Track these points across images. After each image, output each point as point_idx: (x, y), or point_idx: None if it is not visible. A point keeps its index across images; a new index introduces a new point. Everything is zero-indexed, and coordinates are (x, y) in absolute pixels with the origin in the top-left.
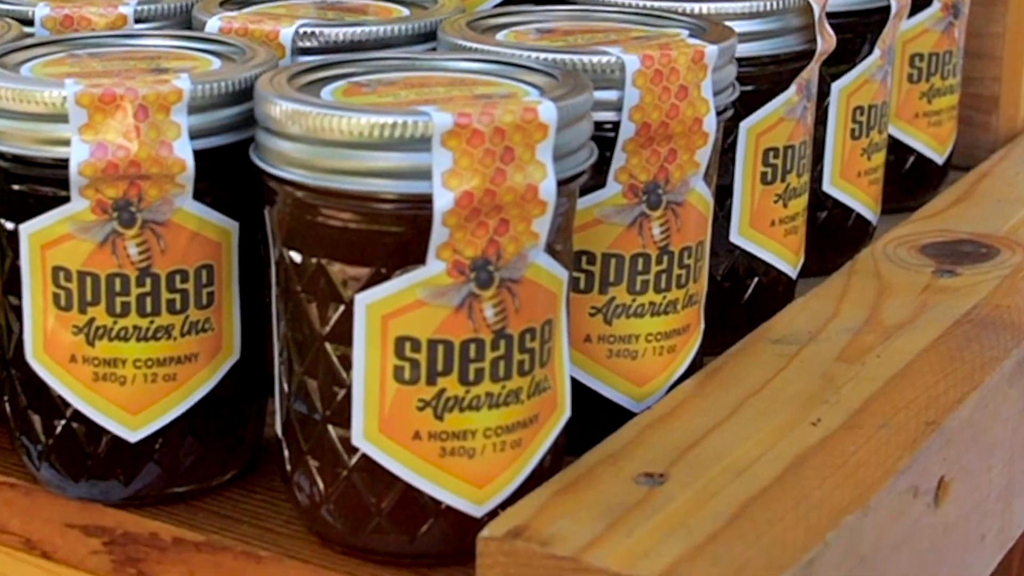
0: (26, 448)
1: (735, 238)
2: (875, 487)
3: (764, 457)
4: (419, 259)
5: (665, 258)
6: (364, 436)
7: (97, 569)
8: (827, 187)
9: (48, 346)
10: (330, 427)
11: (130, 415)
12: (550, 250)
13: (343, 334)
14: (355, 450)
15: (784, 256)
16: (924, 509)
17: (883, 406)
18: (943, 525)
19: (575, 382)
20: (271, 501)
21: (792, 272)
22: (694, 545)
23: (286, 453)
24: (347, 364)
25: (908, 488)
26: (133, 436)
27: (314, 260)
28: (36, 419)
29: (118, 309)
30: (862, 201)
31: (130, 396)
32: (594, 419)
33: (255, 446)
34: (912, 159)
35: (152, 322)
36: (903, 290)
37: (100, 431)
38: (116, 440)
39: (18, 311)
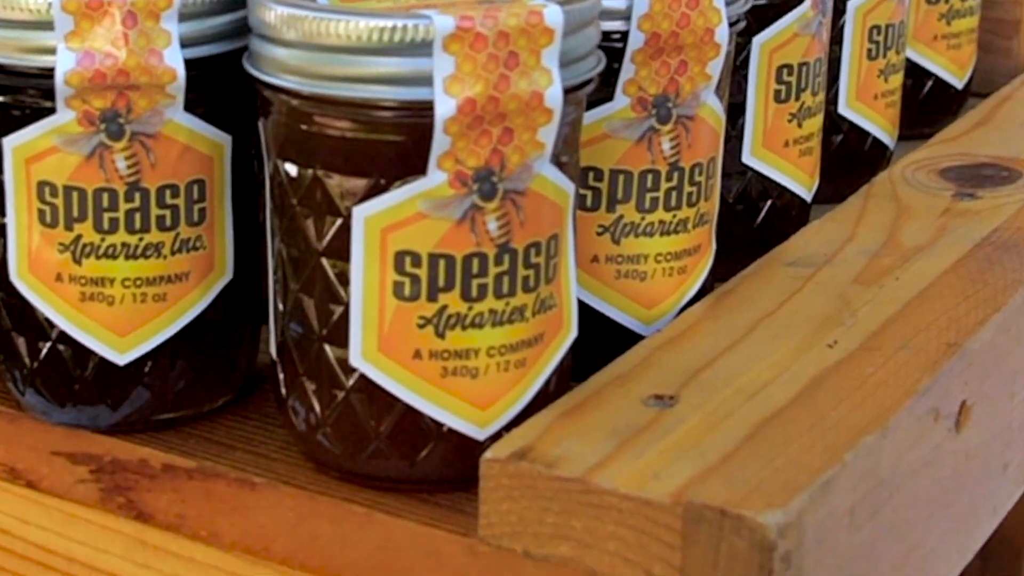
0: (10, 372)
1: (748, 159)
2: (895, 408)
3: (779, 379)
4: (420, 170)
5: (675, 175)
6: (362, 356)
7: (85, 498)
8: (843, 109)
9: (33, 265)
10: (327, 347)
11: (118, 337)
12: (556, 161)
13: (341, 249)
14: (353, 371)
15: (798, 178)
16: (945, 434)
17: (902, 328)
18: (964, 452)
19: (581, 304)
20: (265, 426)
21: (806, 195)
22: (706, 466)
23: (281, 376)
24: (345, 281)
25: (929, 411)
26: (121, 359)
27: (310, 172)
28: (20, 341)
29: (106, 225)
30: (879, 124)
31: (118, 317)
32: (601, 343)
33: (249, 370)
34: (930, 83)
35: (141, 239)
36: (922, 213)
37: (87, 354)
38: (104, 363)
39: (1, 228)
